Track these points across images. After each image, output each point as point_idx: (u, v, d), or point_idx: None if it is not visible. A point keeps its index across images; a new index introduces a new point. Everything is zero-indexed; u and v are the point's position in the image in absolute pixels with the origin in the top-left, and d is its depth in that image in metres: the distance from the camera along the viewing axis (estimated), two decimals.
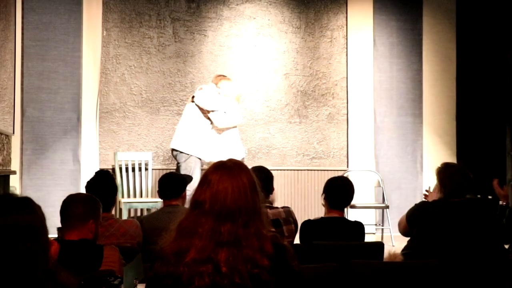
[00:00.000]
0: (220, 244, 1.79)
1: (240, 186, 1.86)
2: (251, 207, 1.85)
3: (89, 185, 3.48)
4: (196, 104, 6.00)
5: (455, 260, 3.17)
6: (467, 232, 3.27)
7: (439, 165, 3.57)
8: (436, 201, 3.47)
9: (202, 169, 5.99)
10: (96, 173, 3.64)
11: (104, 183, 3.46)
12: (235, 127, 6.07)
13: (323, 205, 3.66)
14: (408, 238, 3.55)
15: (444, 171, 3.45)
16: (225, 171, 1.88)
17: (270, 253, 1.82)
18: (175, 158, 6.07)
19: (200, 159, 5.96)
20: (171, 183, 3.82)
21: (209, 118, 5.99)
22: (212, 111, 5.94)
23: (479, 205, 3.37)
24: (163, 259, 1.82)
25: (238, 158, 5.87)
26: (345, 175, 6.82)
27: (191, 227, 1.83)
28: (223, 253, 1.78)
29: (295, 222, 3.68)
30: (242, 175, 1.88)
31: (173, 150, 6.06)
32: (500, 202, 3.75)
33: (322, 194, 3.66)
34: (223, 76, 6.19)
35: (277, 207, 3.78)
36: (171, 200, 3.78)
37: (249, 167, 1.99)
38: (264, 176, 3.80)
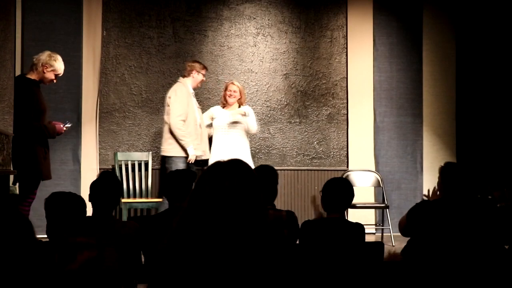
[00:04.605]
0: (228, 243, 1.79)
1: (244, 184, 1.85)
2: (257, 204, 1.85)
3: (94, 186, 3.46)
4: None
5: (455, 260, 3.17)
6: (467, 232, 3.27)
7: (442, 164, 3.57)
8: (437, 201, 3.47)
9: (199, 169, 6.00)
10: (101, 174, 3.62)
11: (109, 185, 3.44)
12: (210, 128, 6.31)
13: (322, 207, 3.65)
14: (408, 238, 3.55)
15: (447, 171, 3.45)
16: (226, 171, 1.88)
17: (272, 251, 1.82)
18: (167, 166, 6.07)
19: (185, 157, 5.97)
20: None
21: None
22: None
23: (480, 205, 3.37)
24: (170, 261, 1.82)
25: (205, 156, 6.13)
26: (345, 175, 6.83)
27: (197, 228, 1.82)
28: (231, 252, 1.78)
29: (296, 227, 3.67)
30: (243, 173, 1.88)
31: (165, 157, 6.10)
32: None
33: (319, 192, 3.63)
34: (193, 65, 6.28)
35: (280, 210, 3.77)
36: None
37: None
38: (269, 177, 3.78)
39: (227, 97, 6.39)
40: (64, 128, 5.26)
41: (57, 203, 2.78)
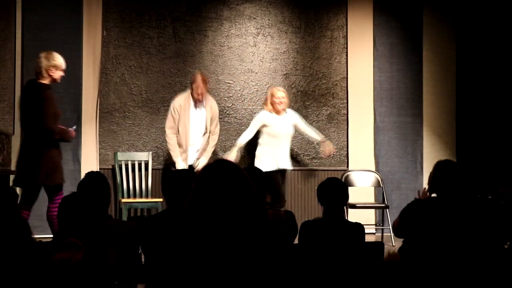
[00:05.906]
0: (226, 245, 1.79)
1: (238, 185, 1.85)
2: (252, 205, 1.85)
3: (81, 187, 3.46)
4: None
5: (449, 258, 3.16)
6: (459, 231, 3.25)
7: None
8: (429, 199, 3.46)
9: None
10: (86, 174, 3.62)
11: (97, 184, 3.44)
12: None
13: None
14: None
15: (436, 168, 3.46)
16: (219, 173, 1.88)
17: (272, 251, 1.82)
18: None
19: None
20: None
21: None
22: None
23: (476, 204, 3.36)
24: (170, 261, 1.82)
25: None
26: (345, 175, 6.83)
27: (195, 231, 1.82)
28: (229, 252, 1.78)
29: (295, 227, 3.67)
30: (236, 174, 1.88)
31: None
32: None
33: (318, 201, 3.63)
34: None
35: (279, 209, 3.78)
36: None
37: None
38: (254, 176, 3.78)
39: (276, 105, 6.34)
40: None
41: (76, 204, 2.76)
